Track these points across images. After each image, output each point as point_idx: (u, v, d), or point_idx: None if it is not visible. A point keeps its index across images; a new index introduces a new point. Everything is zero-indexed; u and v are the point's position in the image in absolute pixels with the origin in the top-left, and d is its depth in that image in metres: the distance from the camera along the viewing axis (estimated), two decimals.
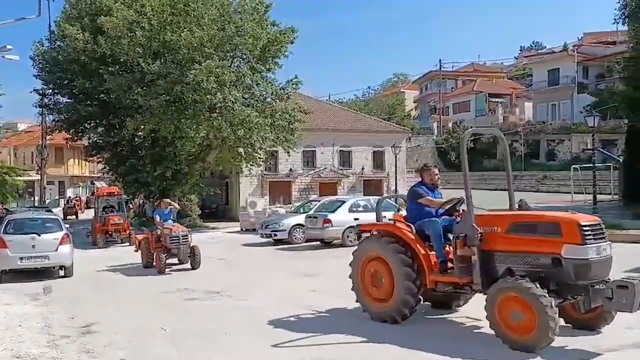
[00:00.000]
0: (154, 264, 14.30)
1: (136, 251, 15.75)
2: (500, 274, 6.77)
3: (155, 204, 29.83)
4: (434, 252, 7.45)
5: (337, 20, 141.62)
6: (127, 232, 21.73)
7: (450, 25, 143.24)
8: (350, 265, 8.27)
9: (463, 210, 7.41)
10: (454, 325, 7.84)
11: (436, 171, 8.29)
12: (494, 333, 6.56)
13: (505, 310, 6.36)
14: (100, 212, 22.79)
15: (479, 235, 6.80)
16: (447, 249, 7.43)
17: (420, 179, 8.24)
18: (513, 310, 6.29)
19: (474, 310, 7.89)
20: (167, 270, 13.97)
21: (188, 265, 14.28)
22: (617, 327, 6.97)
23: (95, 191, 64.01)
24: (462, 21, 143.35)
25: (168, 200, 16.72)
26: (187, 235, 14.22)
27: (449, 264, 7.31)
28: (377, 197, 23.21)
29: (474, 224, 6.87)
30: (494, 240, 6.84)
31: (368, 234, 8.44)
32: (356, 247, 8.40)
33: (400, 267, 7.38)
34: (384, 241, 7.72)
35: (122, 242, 21.61)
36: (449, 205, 7.74)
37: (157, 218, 14.98)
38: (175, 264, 14.34)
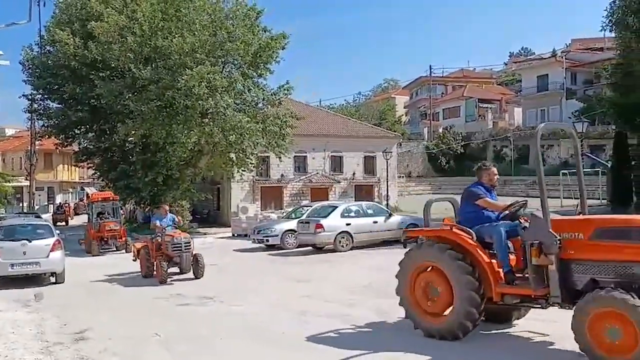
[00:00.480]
0: (154, 273, 13.63)
1: (134, 260, 14.93)
2: (583, 285, 6.07)
3: (152, 210, 29.76)
4: (495, 261, 6.70)
5: (318, 30, 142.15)
6: (123, 238, 21.17)
7: (440, 32, 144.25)
8: (397, 277, 7.47)
9: (532, 214, 6.60)
10: (522, 341, 7.06)
11: (495, 170, 7.47)
12: (578, 351, 5.86)
13: (598, 327, 5.60)
14: (94, 218, 22.05)
15: (558, 242, 6.10)
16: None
17: (476, 180, 7.37)
18: (609, 327, 5.53)
19: (530, 323, 7.44)
20: (168, 280, 13.23)
21: (190, 275, 13.58)
22: None
23: (89, 196, 63.74)
24: (452, 27, 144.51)
25: (166, 206, 15.88)
26: (189, 242, 13.58)
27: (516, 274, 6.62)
28: (370, 202, 23.43)
29: (550, 230, 6.15)
30: (575, 248, 6.10)
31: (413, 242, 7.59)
32: (403, 256, 7.52)
33: (461, 275, 6.63)
34: (438, 248, 6.94)
35: (117, 249, 21.05)
36: (513, 209, 6.99)
37: (158, 224, 14.15)
38: (177, 274, 13.68)
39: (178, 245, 13.27)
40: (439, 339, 6.89)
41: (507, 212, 6.98)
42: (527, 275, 6.45)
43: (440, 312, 7.01)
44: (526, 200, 7.12)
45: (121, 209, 25.45)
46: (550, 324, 7.17)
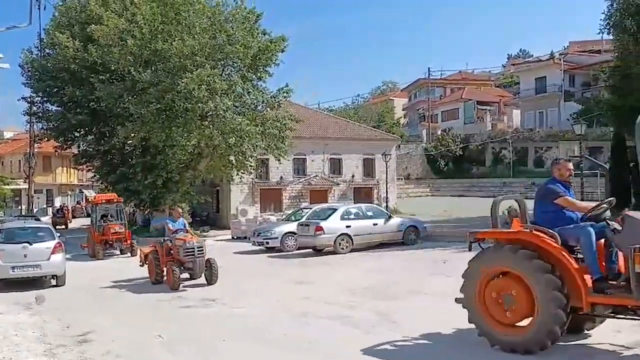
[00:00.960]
0: (165, 279, 13.03)
1: (142, 265, 14.18)
2: None
3: (152, 212, 29.68)
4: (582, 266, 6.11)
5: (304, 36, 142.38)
6: (129, 241, 20.65)
7: (439, 33, 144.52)
8: (462, 290, 6.81)
9: (626, 215, 5.95)
10: (602, 353, 6.47)
11: (570, 165, 6.72)
12: None
13: None
14: (98, 221, 21.62)
15: None
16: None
17: (552, 176, 6.65)
18: None
19: (599, 334, 6.96)
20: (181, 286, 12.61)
21: (202, 280, 13.01)
22: (607, 330, 7.15)
23: (87, 199, 63.52)
24: (450, 29, 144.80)
25: (179, 209, 15.22)
26: (202, 247, 12.92)
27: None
28: (369, 205, 23.50)
29: None
30: None
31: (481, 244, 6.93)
32: (471, 261, 6.81)
33: (548, 291, 5.93)
34: (520, 255, 6.17)
35: (122, 253, 20.64)
36: (600, 210, 6.30)
37: (170, 226, 13.45)
38: (188, 279, 13.16)
39: (191, 250, 12.63)
40: (522, 353, 6.15)
41: (591, 213, 6.29)
42: (621, 283, 5.87)
43: (516, 322, 6.37)
44: (614, 198, 6.61)
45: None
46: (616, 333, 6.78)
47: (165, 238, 13.58)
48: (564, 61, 52.59)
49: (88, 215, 54.83)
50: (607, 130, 35.41)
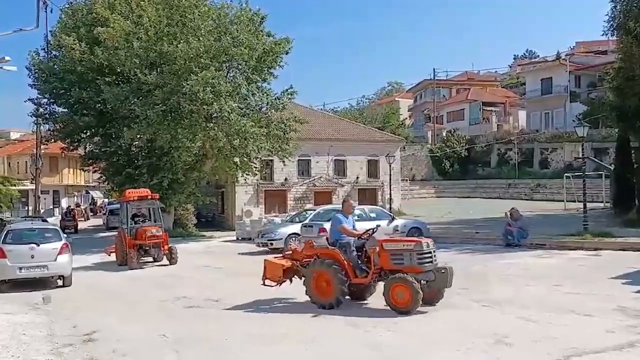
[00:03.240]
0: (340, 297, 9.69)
1: (272, 284, 10.70)
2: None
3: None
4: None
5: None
6: (166, 246, 17.74)
7: (445, 34, 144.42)
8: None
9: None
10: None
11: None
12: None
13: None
14: (129, 222, 18.32)
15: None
16: None
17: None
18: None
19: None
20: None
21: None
22: (600, 331, 7.26)
23: (94, 201, 63.74)
24: (456, 29, 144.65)
25: (352, 201, 11.19)
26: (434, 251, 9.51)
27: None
28: (372, 206, 23.59)
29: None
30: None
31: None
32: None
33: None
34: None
35: (155, 260, 17.85)
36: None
37: (345, 225, 10.15)
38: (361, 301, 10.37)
39: (428, 253, 9.30)
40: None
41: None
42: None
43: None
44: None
45: (162, 209, 20.70)
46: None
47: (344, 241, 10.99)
48: (570, 62, 52.52)
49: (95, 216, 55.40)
50: (613, 132, 35.35)
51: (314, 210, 22.33)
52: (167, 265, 17.54)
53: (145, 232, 17.47)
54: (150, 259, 17.94)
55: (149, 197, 19.00)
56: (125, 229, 18.03)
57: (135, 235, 17.63)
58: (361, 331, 8.22)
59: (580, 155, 20.47)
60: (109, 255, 18.72)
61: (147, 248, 17.51)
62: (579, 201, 31.22)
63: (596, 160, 36.08)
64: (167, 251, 17.66)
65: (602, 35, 25.05)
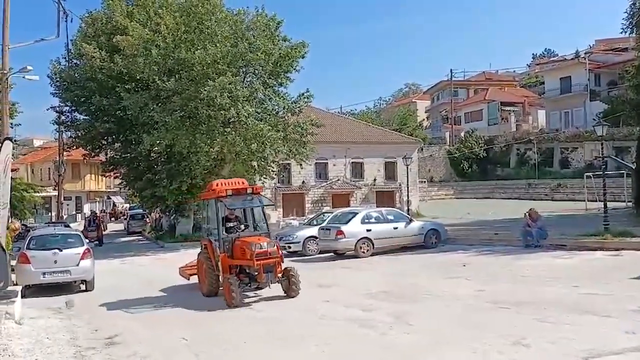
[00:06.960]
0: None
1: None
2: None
3: (177, 218, 29.70)
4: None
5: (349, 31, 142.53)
6: (280, 268, 11.43)
7: (462, 34, 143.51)
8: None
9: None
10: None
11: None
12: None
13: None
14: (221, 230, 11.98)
15: None
16: None
17: None
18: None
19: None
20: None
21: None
22: (619, 332, 7.20)
23: (115, 205, 64.47)
24: (474, 30, 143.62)
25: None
26: None
27: None
28: (390, 208, 23.55)
29: None
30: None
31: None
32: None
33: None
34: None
35: (258, 288, 11.61)
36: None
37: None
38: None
39: None
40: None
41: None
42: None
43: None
44: None
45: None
46: None
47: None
48: (589, 60, 51.87)
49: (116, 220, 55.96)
50: (634, 130, 34.83)
51: (332, 213, 22.39)
52: (283, 298, 11.43)
53: (249, 246, 11.14)
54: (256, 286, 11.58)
55: (254, 191, 12.69)
56: (216, 240, 12.03)
57: (231, 250, 11.73)
58: (377, 334, 8.24)
59: (601, 155, 20.20)
60: (188, 278, 13.83)
61: (257, 273, 11.13)
62: (600, 201, 30.82)
63: (617, 159, 35.54)
64: (283, 276, 11.46)
65: (621, 32, 24.75)
